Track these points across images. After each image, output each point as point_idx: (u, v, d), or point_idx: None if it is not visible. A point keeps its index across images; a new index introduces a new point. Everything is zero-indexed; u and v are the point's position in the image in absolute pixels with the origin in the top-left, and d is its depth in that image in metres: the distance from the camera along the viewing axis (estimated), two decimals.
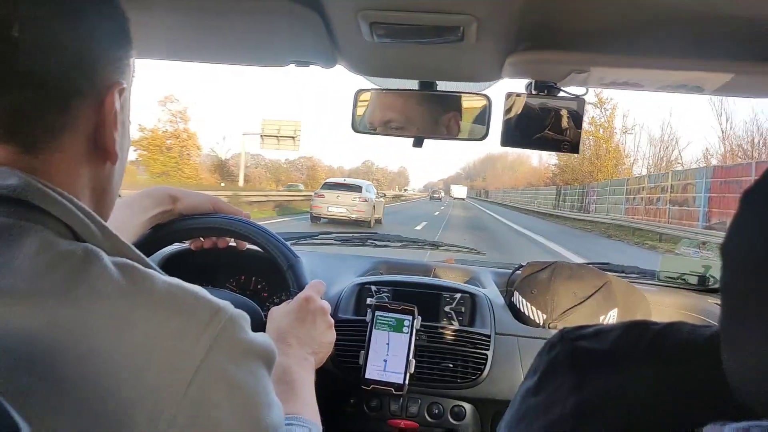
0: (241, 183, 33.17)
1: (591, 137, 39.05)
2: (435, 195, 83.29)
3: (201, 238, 1.18)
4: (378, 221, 18.64)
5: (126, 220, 1.00)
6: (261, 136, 32.17)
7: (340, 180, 19.66)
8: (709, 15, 0.77)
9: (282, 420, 0.56)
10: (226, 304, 0.52)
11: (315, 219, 17.21)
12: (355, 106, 1.19)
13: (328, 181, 19.26)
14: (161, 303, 0.48)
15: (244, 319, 0.53)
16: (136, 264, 0.50)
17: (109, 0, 0.56)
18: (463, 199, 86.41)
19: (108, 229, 0.52)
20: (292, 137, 31.85)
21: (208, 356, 0.48)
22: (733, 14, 0.76)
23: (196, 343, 0.48)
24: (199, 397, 0.46)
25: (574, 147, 1.09)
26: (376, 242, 1.90)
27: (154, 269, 0.52)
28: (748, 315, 0.35)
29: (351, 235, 1.88)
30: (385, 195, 33.30)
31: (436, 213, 31.24)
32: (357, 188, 17.63)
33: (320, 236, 1.85)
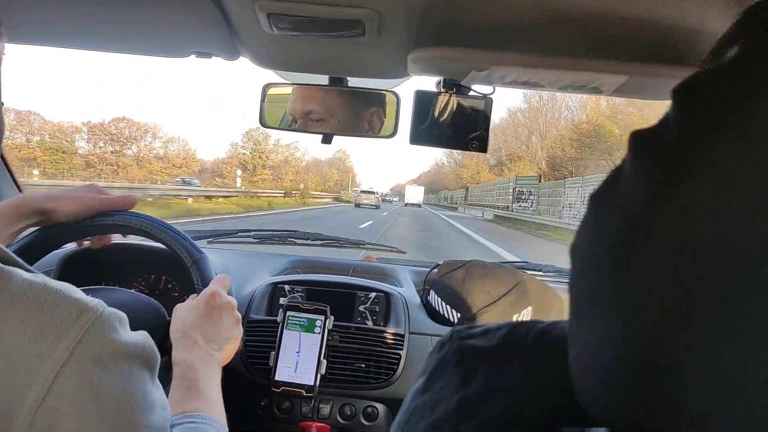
0: None
1: None
2: (385, 198, 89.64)
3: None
4: (378, 206, 40.59)
5: None
6: None
7: (366, 188, 47.18)
8: (604, 16, 0.78)
9: (167, 422, 0.53)
10: (96, 303, 0.48)
11: (357, 205, 39.17)
12: (263, 101, 1.15)
13: (362, 188, 51.61)
14: (18, 302, 0.44)
15: (117, 318, 0.50)
16: None
17: None
18: (419, 205, 62.08)
19: None
20: None
21: (70, 359, 0.44)
22: (625, 16, 0.77)
23: (57, 345, 0.44)
24: (61, 403, 0.43)
25: (482, 146, 1.10)
26: (296, 240, 1.86)
27: (22, 266, 0.47)
28: (591, 316, 0.35)
29: (271, 233, 1.82)
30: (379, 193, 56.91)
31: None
32: (373, 192, 43.36)
33: (239, 234, 1.80)
